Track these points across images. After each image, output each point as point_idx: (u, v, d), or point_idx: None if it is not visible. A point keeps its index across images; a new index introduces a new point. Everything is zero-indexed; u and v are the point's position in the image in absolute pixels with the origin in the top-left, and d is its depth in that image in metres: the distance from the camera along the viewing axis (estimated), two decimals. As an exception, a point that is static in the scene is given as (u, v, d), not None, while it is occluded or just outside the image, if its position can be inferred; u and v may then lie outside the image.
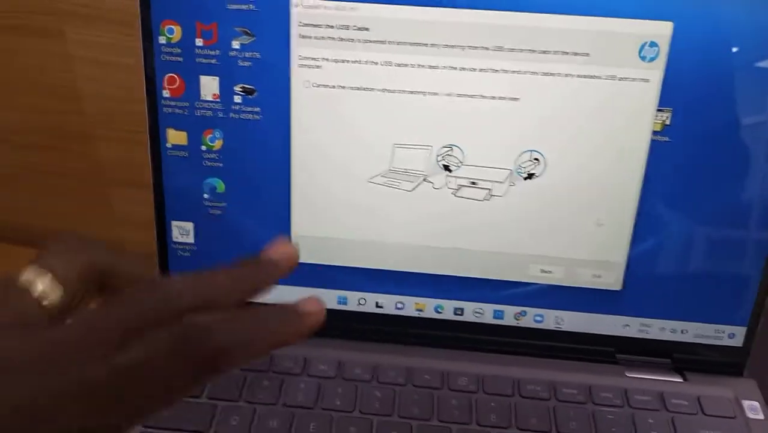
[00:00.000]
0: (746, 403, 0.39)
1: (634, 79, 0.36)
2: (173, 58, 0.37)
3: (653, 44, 0.35)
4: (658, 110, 0.36)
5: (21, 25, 0.49)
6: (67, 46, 0.49)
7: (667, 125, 0.36)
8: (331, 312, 0.41)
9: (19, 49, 0.50)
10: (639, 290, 0.40)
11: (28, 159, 0.55)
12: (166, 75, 0.37)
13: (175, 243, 0.41)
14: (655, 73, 0.36)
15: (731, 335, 0.40)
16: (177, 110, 0.38)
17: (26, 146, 0.55)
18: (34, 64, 0.51)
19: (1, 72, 0.52)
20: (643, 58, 0.35)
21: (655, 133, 0.37)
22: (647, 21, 0.35)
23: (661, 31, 0.35)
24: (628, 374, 0.40)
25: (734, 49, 0.35)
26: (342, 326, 0.42)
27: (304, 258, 0.41)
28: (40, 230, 0.59)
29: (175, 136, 0.39)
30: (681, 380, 0.40)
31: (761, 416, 0.38)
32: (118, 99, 0.51)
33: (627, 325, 0.41)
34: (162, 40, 0.37)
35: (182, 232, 0.41)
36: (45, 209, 0.58)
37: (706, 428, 0.37)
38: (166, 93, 0.38)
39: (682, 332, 0.40)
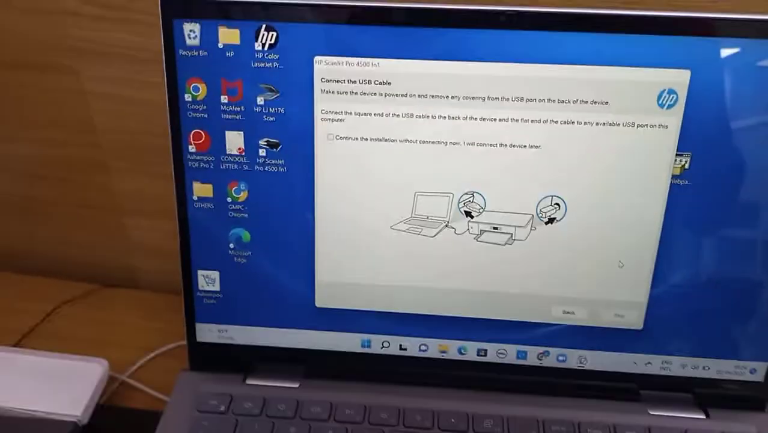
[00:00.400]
0: (769, 439, 0.39)
1: (653, 126, 0.36)
2: (199, 115, 0.38)
3: (671, 92, 0.36)
4: (677, 155, 0.37)
5: (34, 61, 0.50)
6: (81, 82, 0.50)
7: (686, 169, 0.37)
8: (355, 355, 0.42)
9: (33, 84, 0.51)
10: (660, 328, 0.40)
11: (45, 190, 0.56)
12: (192, 131, 0.38)
13: (201, 291, 0.42)
14: (674, 120, 0.36)
15: (752, 371, 0.41)
16: (203, 164, 0.39)
17: (42, 177, 0.56)
18: (48, 99, 0.52)
19: (18, 106, 0.53)
20: (661, 105, 0.36)
21: (674, 177, 0.37)
22: (665, 69, 0.35)
23: (679, 78, 0.35)
24: (651, 412, 0.41)
25: (750, 93, 0.35)
26: (367, 368, 0.42)
27: (328, 303, 0.41)
28: (56, 260, 0.60)
29: (201, 189, 0.39)
30: (704, 417, 0.41)
31: (784, 452, 0.39)
32: (133, 132, 0.52)
33: (649, 363, 0.41)
34: (188, 97, 0.37)
35: (208, 281, 0.41)
36: (61, 238, 0.59)
37: (731, 466, 0.38)
38: (192, 148, 0.38)
39: (703, 368, 0.41)
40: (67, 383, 0.43)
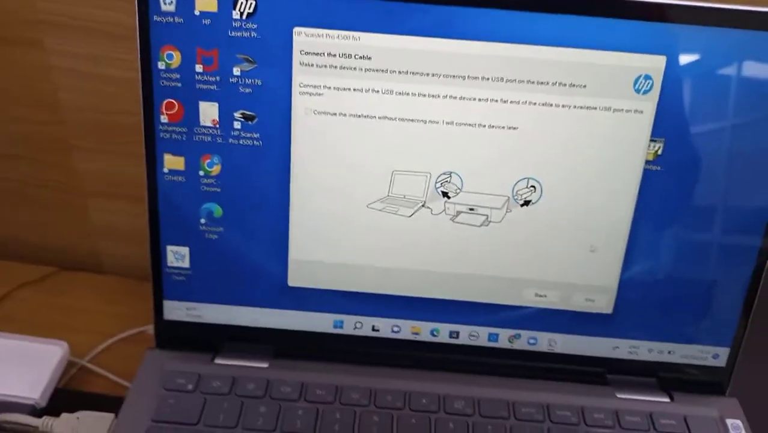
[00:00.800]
0: (730, 421, 0.40)
1: (628, 111, 0.37)
2: (172, 84, 0.36)
3: (647, 77, 0.36)
4: (651, 140, 0.37)
5: (1, 35, 0.48)
6: (47, 56, 0.48)
7: (659, 155, 0.37)
8: (327, 336, 0.42)
9: None
10: (629, 313, 0.41)
11: (3, 169, 0.54)
12: (165, 100, 0.37)
13: (170, 267, 0.41)
14: (649, 105, 0.37)
15: (715, 356, 0.42)
16: (175, 135, 0.38)
17: (2, 156, 0.53)
18: (13, 74, 0.50)
19: None
20: (637, 91, 0.36)
21: (647, 162, 0.38)
22: (642, 55, 0.36)
23: (655, 64, 0.36)
24: (618, 395, 0.41)
25: (723, 81, 0.36)
26: (339, 349, 0.42)
27: (301, 283, 0.41)
28: (17, 242, 0.58)
29: (173, 162, 0.38)
30: (668, 400, 0.42)
31: (744, 434, 0.40)
32: (99, 110, 0.50)
33: (617, 347, 0.42)
34: (161, 65, 0.36)
35: (177, 256, 0.40)
36: (23, 220, 0.57)
37: (694, 448, 0.38)
38: (164, 118, 0.37)
39: (669, 352, 0.42)
40: (25, 366, 0.42)
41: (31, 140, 0.53)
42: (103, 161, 0.53)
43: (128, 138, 0.51)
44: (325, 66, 0.36)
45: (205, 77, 0.36)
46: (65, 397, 0.42)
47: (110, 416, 0.38)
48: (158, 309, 0.41)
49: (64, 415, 0.38)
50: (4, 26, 0.48)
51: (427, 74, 0.36)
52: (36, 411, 0.40)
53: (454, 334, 0.42)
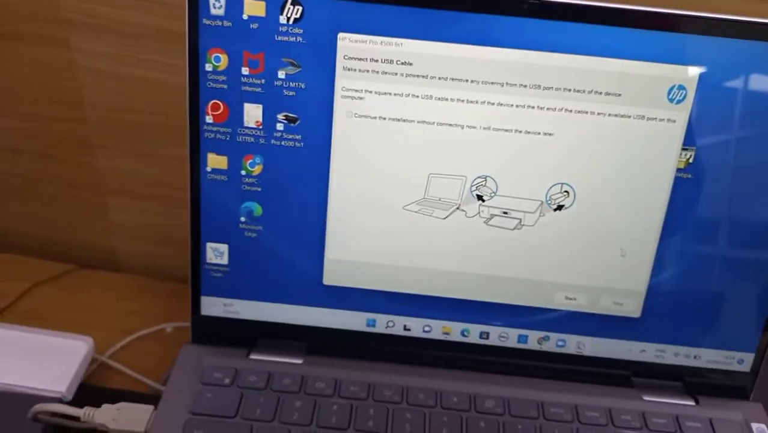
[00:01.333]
0: (755, 426, 0.41)
1: (661, 120, 0.38)
2: (218, 86, 0.38)
3: (681, 87, 0.37)
4: (683, 149, 0.38)
5: (24, 32, 0.49)
6: (72, 55, 0.49)
7: (690, 163, 0.38)
8: (360, 334, 0.43)
9: (22, 56, 0.50)
10: (656, 317, 0.42)
11: (25, 166, 0.55)
12: (211, 101, 0.38)
13: (209, 264, 0.42)
14: (682, 114, 0.37)
15: (740, 361, 0.42)
16: (219, 135, 0.39)
17: (25, 153, 0.54)
18: (38, 72, 0.50)
19: (4, 78, 0.51)
20: (671, 100, 0.37)
21: (678, 170, 0.38)
22: (676, 66, 0.36)
23: (689, 75, 0.37)
24: (644, 398, 0.42)
25: (755, 92, 0.37)
26: (371, 347, 0.43)
27: (336, 281, 0.42)
28: (36, 239, 0.58)
29: (216, 161, 0.39)
30: (694, 404, 0.42)
31: (769, 439, 0.40)
32: (121, 109, 0.51)
33: (644, 350, 0.42)
34: (208, 67, 0.37)
35: (217, 253, 0.41)
36: (42, 217, 0.58)
37: (720, 450, 0.39)
38: (209, 119, 0.38)
39: (695, 357, 0.43)
40: (51, 360, 0.43)
41: (53, 138, 0.53)
42: (123, 160, 0.53)
43: (149, 138, 0.52)
44: (368, 71, 0.37)
45: (250, 80, 0.37)
46: (89, 392, 0.42)
47: (150, 408, 0.39)
48: (195, 304, 0.42)
49: (105, 406, 0.39)
50: (30, 24, 0.49)
51: (466, 80, 0.37)
52: (71, 406, 0.40)
53: (485, 335, 0.43)
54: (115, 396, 0.41)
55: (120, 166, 0.54)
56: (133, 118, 0.51)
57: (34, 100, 0.52)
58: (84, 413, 0.38)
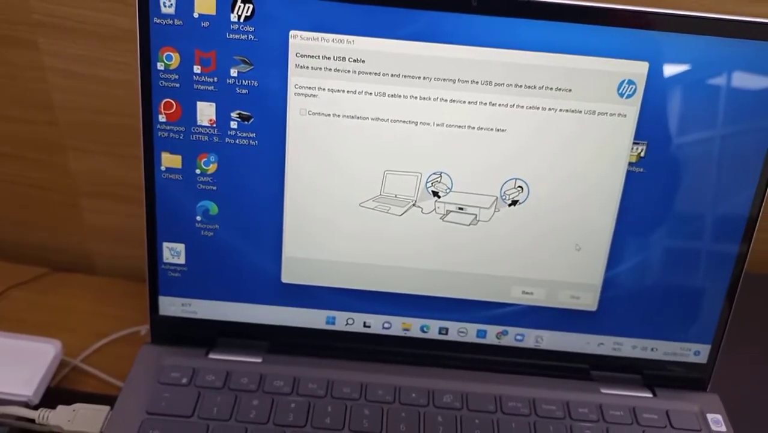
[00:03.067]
0: (710, 416, 0.42)
1: (612, 114, 0.38)
2: (170, 84, 0.37)
3: (631, 82, 0.37)
4: (634, 143, 0.38)
5: None
6: (41, 57, 0.49)
7: (642, 157, 0.39)
8: (320, 332, 0.43)
9: None
10: (613, 310, 0.42)
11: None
12: (163, 100, 0.38)
13: (166, 264, 0.41)
14: (632, 109, 0.38)
15: (697, 353, 0.43)
16: (172, 134, 0.38)
17: None
18: (7, 74, 0.50)
19: None
20: (621, 95, 0.38)
21: (630, 164, 0.39)
22: (626, 60, 0.37)
23: (638, 70, 0.37)
24: (602, 390, 0.42)
25: (704, 86, 0.37)
26: (331, 345, 0.43)
27: (294, 279, 0.42)
28: (9, 242, 0.58)
29: (170, 160, 0.39)
30: (651, 395, 0.43)
31: (724, 429, 0.41)
32: (92, 110, 0.51)
33: (601, 343, 0.43)
34: (160, 66, 0.37)
35: (173, 253, 0.41)
36: (15, 220, 0.57)
37: (675, 441, 0.40)
38: (162, 117, 0.38)
39: (652, 349, 0.43)
40: (18, 363, 0.42)
41: (25, 140, 0.53)
42: (96, 162, 0.53)
43: (121, 139, 0.52)
44: (320, 68, 0.37)
45: (202, 78, 0.37)
46: (58, 395, 0.42)
47: (106, 408, 0.39)
48: (153, 305, 0.42)
49: (60, 407, 0.39)
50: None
51: (419, 77, 0.37)
52: (29, 408, 0.40)
53: (444, 330, 0.43)
54: (84, 399, 0.40)
55: (93, 168, 0.54)
56: (104, 120, 0.51)
57: (3, 102, 0.51)
58: (39, 414, 0.38)
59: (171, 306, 0.42)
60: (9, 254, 0.57)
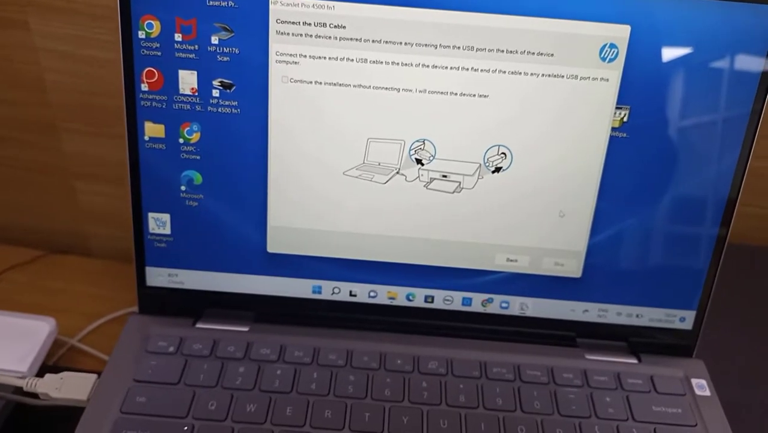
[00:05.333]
0: (695, 381, 0.42)
1: (594, 79, 0.38)
2: (152, 53, 0.37)
3: (613, 46, 0.37)
4: (617, 108, 0.38)
5: None
6: (32, 38, 0.49)
7: (625, 122, 0.39)
8: (306, 301, 0.43)
9: None
10: (597, 277, 0.42)
11: None
12: (145, 69, 0.38)
13: (152, 234, 0.42)
14: (614, 73, 0.38)
15: (682, 319, 0.43)
16: (155, 103, 0.39)
17: None
18: None
19: None
20: (603, 59, 0.38)
21: (613, 129, 0.39)
22: (607, 24, 0.37)
23: (620, 33, 0.37)
24: (587, 357, 0.43)
25: (688, 51, 0.37)
26: (317, 314, 0.43)
27: (280, 249, 0.42)
28: (4, 225, 0.58)
29: (153, 129, 0.39)
30: (636, 361, 0.43)
31: (708, 393, 0.41)
32: (85, 91, 0.51)
33: (586, 310, 0.43)
34: (141, 34, 0.37)
35: (159, 223, 0.41)
36: (9, 203, 0.57)
37: (659, 405, 0.40)
38: (144, 86, 0.38)
39: (637, 316, 0.43)
40: (13, 340, 0.43)
41: (17, 122, 0.53)
42: (89, 143, 0.53)
43: (114, 120, 0.51)
44: (301, 35, 0.37)
45: (184, 46, 0.37)
46: (53, 372, 0.42)
47: (93, 376, 0.39)
48: (140, 275, 0.42)
49: (47, 375, 0.39)
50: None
51: (400, 43, 0.37)
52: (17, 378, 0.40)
53: (429, 298, 0.43)
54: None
55: (87, 149, 0.54)
56: (96, 101, 0.51)
57: None
58: (27, 382, 0.39)
59: (158, 277, 0.43)
60: (4, 236, 0.57)
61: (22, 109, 0.52)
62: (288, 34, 0.37)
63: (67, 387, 0.38)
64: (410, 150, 0.40)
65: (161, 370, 0.39)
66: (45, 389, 0.38)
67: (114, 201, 0.56)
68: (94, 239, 0.59)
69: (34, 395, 0.39)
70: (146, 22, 0.37)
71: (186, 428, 0.36)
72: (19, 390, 0.39)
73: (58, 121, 0.53)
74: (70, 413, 0.37)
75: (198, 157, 0.40)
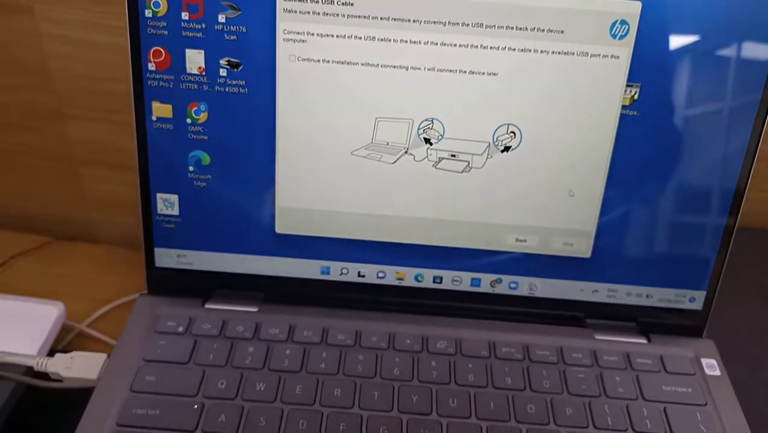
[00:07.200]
0: (705, 361, 0.42)
1: (605, 56, 0.38)
2: (159, 32, 0.37)
3: (624, 22, 0.37)
4: (628, 85, 0.38)
5: None
6: (37, 23, 0.49)
7: (635, 100, 0.38)
8: (314, 282, 0.43)
9: None
10: (607, 257, 0.42)
11: None
12: (152, 48, 0.38)
13: (160, 215, 0.42)
14: (625, 50, 0.37)
15: (692, 299, 0.43)
16: (162, 83, 0.38)
17: None
18: (3, 41, 0.50)
19: None
20: (614, 36, 0.37)
21: (624, 107, 0.38)
22: (617, 0, 0.36)
23: (631, 10, 0.37)
24: (596, 337, 0.43)
25: (699, 28, 0.37)
26: (326, 294, 0.43)
27: (288, 230, 0.42)
28: (11, 211, 0.58)
29: (160, 109, 0.39)
30: (645, 342, 0.43)
31: (718, 373, 0.41)
32: (91, 77, 0.51)
33: (596, 290, 0.43)
34: (148, 13, 0.37)
35: (167, 204, 0.41)
36: (16, 189, 0.57)
37: (668, 385, 0.40)
38: (151, 66, 0.38)
39: (647, 296, 0.43)
40: (22, 324, 0.43)
41: (22, 109, 0.53)
42: (96, 130, 0.53)
43: (120, 106, 0.51)
44: (308, 12, 0.37)
45: (190, 25, 0.37)
46: None
47: (103, 355, 0.39)
48: (149, 256, 0.42)
49: (58, 355, 0.39)
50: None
51: (409, 20, 0.37)
52: (32, 368, 0.40)
53: (438, 279, 0.43)
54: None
55: (92, 136, 0.53)
56: (102, 87, 0.51)
57: (1, 70, 0.51)
58: (37, 362, 0.39)
59: (166, 258, 0.43)
60: (11, 223, 0.58)
61: (27, 95, 0.52)
62: (295, 11, 0.37)
63: (78, 366, 0.38)
64: (418, 129, 0.39)
65: (171, 349, 0.39)
66: (55, 368, 0.38)
67: (120, 187, 0.56)
68: (101, 226, 0.59)
69: (45, 376, 0.39)
70: (153, 1, 0.37)
71: (196, 406, 0.36)
72: (29, 371, 0.39)
73: (63, 108, 0.52)
74: (80, 395, 0.37)
75: (206, 138, 0.40)
